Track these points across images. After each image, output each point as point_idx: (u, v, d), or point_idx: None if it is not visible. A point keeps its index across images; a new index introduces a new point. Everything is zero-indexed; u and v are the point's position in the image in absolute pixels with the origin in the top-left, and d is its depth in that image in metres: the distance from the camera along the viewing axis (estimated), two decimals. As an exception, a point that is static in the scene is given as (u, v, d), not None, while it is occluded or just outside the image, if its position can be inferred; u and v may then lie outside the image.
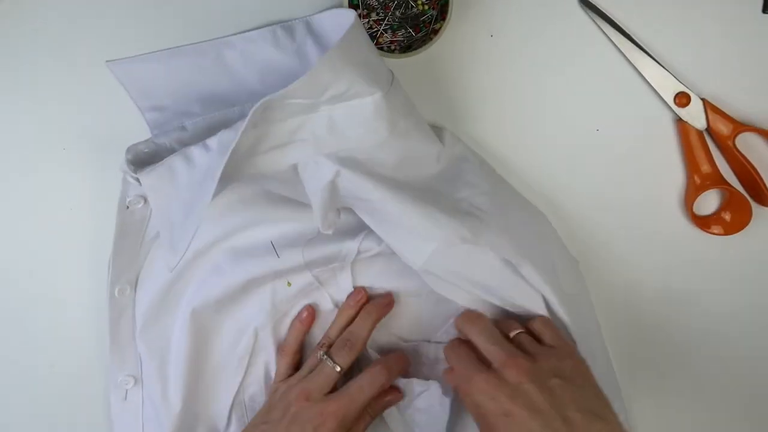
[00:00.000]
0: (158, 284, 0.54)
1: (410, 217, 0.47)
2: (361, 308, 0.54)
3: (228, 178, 0.46)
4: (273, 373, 0.56)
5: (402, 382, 0.54)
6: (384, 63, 0.49)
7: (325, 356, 0.52)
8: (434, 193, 0.50)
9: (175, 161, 0.47)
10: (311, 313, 0.55)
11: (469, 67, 0.55)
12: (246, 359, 0.55)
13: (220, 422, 0.56)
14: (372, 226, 0.51)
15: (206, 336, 0.55)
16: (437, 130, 0.54)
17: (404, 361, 0.54)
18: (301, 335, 0.55)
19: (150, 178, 0.46)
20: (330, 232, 0.50)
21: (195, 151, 0.47)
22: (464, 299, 0.52)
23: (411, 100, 0.50)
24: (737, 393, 0.60)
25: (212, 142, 0.47)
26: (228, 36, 0.52)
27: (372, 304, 0.54)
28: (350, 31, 0.45)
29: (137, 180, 0.47)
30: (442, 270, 0.50)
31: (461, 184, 0.51)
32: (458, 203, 0.50)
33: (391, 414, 0.55)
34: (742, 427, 0.61)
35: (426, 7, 0.51)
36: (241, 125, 0.43)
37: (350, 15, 0.46)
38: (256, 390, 0.56)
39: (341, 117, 0.46)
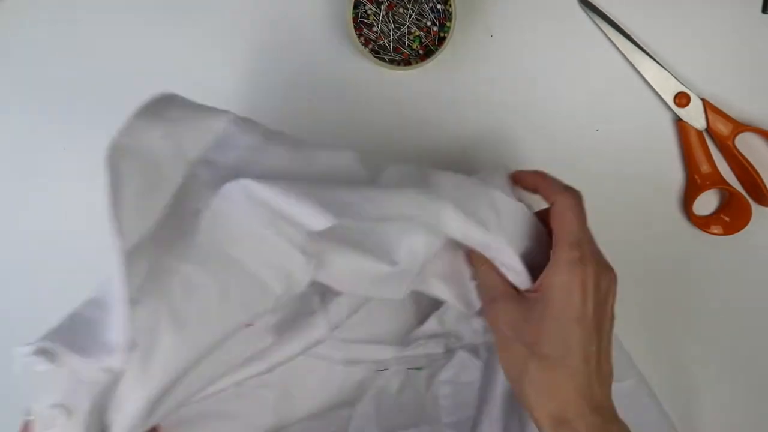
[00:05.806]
0: None
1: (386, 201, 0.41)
2: None
3: None
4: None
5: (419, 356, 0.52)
6: None
7: None
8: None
9: None
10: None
11: (468, 67, 0.55)
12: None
13: None
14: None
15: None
16: None
17: None
18: None
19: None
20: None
21: None
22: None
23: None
24: (737, 393, 0.60)
25: None
26: None
27: None
28: None
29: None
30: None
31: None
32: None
33: (415, 394, 0.52)
34: (742, 427, 0.61)
35: (419, 42, 0.51)
36: None
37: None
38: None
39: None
